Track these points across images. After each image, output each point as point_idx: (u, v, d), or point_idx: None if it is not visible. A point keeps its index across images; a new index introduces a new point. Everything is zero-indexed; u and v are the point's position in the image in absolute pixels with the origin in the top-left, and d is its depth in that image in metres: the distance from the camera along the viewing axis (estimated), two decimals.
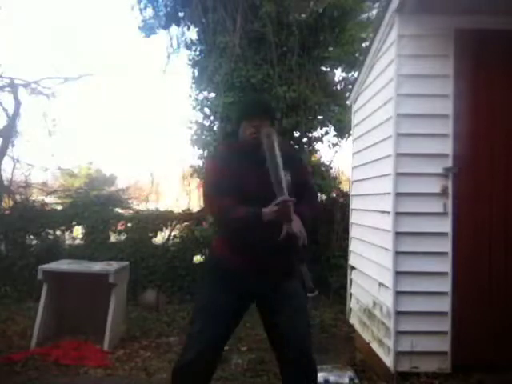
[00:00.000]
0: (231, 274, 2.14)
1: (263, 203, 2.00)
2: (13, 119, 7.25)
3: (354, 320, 4.21)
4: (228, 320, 2.16)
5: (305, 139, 6.56)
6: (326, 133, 6.62)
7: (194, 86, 6.67)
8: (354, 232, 4.40)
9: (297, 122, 6.10)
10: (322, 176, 6.25)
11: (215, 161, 2.32)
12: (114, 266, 4.25)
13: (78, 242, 6.29)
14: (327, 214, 6.15)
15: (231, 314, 2.16)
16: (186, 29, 6.79)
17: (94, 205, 6.23)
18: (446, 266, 3.06)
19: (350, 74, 6.78)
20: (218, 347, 2.17)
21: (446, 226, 3.08)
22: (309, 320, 2.28)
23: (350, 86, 5.39)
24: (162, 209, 6.84)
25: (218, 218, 2.28)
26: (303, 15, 6.35)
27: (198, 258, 6.30)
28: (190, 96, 6.65)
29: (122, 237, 6.21)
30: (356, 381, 3.09)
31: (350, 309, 4.37)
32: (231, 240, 2.18)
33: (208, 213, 2.26)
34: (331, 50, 6.43)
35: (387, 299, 3.18)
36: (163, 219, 6.25)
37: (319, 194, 6.51)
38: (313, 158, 6.54)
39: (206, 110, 6.49)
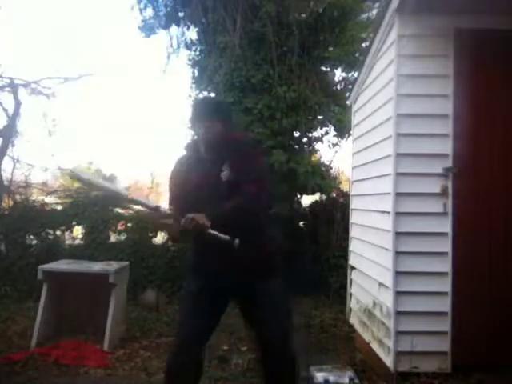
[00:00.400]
0: (203, 273, 2.25)
1: (213, 201, 2.10)
2: (13, 119, 7.25)
3: (354, 320, 4.21)
4: (207, 316, 2.23)
5: (305, 139, 6.56)
6: (326, 133, 6.62)
7: (193, 85, 6.67)
8: (354, 232, 4.40)
9: (297, 122, 6.10)
10: (322, 176, 6.25)
11: (173, 167, 2.44)
12: (113, 266, 4.25)
13: (77, 241, 6.29)
14: (327, 214, 6.15)
15: (209, 311, 2.24)
16: (185, 29, 6.79)
17: (94, 205, 6.23)
18: (446, 266, 3.06)
19: (350, 74, 6.78)
20: (200, 342, 2.24)
21: (446, 225, 3.08)
22: (288, 316, 2.34)
23: (350, 86, 5.39)
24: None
25: None
26: (303, 15, 6.34)
27: None
28: (190, 96, 6.66)
29: (122, 237, 6.21)
30: (356, 381, 3.09)
31: (350, 309, 4.37)
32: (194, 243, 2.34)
33: None
34: (331, 50, 6.43)
35: (387, 299, 3.18)
36: None
37: (319, 194, 6.53)
38: (313, 158, 6.54)
39: None
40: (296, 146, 6.40)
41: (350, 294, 4.42)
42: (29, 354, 3.75)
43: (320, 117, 6.39)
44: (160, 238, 6.32)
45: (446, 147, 3.09)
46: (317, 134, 6.60)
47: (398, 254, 3.09)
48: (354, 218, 4.41)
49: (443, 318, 3.05)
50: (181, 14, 6.66)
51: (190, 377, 2.20)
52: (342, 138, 6.65)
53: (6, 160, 7.18)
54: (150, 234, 6.18)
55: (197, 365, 2.24)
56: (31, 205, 6.43)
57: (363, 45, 6.40)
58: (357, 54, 6.35)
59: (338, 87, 6.88)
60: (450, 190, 3.08)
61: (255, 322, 2.27)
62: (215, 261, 2.17)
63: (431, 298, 3.07)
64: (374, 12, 6.88)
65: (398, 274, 3.08)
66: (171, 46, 6.94)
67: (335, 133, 6.61)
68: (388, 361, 3.11)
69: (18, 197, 6.87)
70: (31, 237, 6.19)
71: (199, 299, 2.23)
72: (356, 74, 5.04)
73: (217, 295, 2.23)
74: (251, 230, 2.11)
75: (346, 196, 5.75)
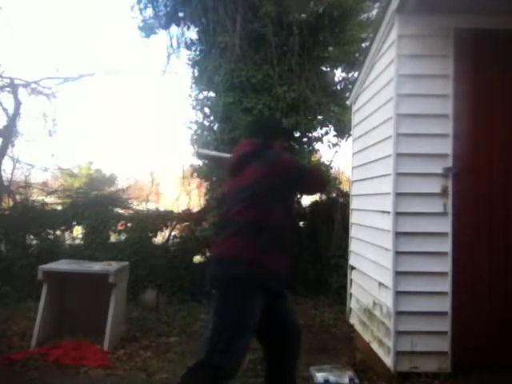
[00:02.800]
0: (268, 280, 2.33)
1: None
2: (13, 119, 7.26)
3: (354, 320, 4.21)
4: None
5: (305, 139, 6.55)
6: (326, 133, 6.62)
7: (193, 85, 6.66)
8: (354, 232, 4.40)
9: (297, 122, 6.10)
10: None
11: None
12: (114, 266, 4.25)
13: (77, 241, 6.30)
14: (327, 214, 6.16)
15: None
16: (186, 29, 6.77)
17: (94, 205, 6.23)
18: (445, 266, 3.06)
19: (350, 74, 6.77)
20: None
21: (446, 226, 3.08)
22: None
23: (350, 86, 5.39)
24: (162, 209, 6.84)
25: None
26: (303, 15, 6.34)
27: (198, 258, 6.30)
28: (190, 96, 6.65)
29: (122, 237, 6.21)
30: (356, 381, 3.08)
31: (350, 309, 4.37)
32: (270, 244, 2.33)
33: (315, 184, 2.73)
34: (331, 50, 6.42)
35: (387, 299, 3.18)
36: (163, 219, 6.26)
37: (319, 194, 6.54)
38: (313, 158, 6.54)
39: (206, 110, 6.49)
40: (296, 146, 6.40)
41: (350, 294, 4.42)
42: (29, 354, 3.76)
43: (320, 117, 6.38)
44: (160, 238, 6.33)
45: (446, 147, 3.09)
46: (317, 134, 6.60)
47: (397, 253, 3.09)
48: (354, 218, 4.41)
49: (443, 318, 3.05)
50: (181, 14, 6.65)
51: None
52: (341, 138, 6.65)
53: (6, 160, 7.20)
54: (150, 234, 6.18)
55: None
56: (31, 205, 6.43)
57: (363, 45, 6.40)
58: (357, 54, 6.35)
59: (338, 87, 6.87)
60: (450, 190, 3.08)
61: (280, 310, 2.49)
62: (286, 264, 2.41)
63: (431, 298, 3.07)
64: (374, 12, 6.87)
65: (398, 273, 3.08)
66: (171, 46, 6.93)
67: (335, 133, 6.60)
68: (388, 361, 3.11)
69: (18, 197, 6.87)
70: (31, 237, 6.20)
71: (257, 314, 2.29)
72: (356, 74, 5.04)
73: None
74: None
75: (346, 196, 5.76)
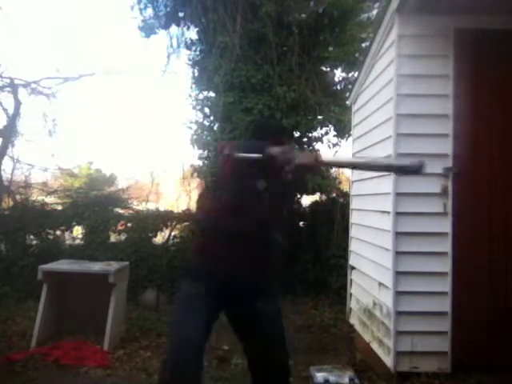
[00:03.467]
0: (206, 276, 2.07)
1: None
2: (13, 119, 7.26)
3: (354, 320, 4.21)
4: (203, 322, 2.05)
5: (305, 139, 6.55)
6: (326, 133, 6.62)
7: (193, 85, 6.67)
8: (354, 232, 4.40)
9: (297, 122, 6.10)
10: (322, 176, 6.25)
11: None
12: (114, 266, 4.25)
13: (78, 241, 6.30)
14: (327, 214, 6.16)
15: (206, 316, 2.07)
16: (185, 29, 6.78)
17: (94, 205, 6.23)
18: (446, 266, 3.06)
19: (350, 74, 6.77)
20: (200, 350, 2.05)
21: (446, 226, 3.08)
22: (283, 331, 2.20)
23: (350, 86, 5.39)
24: (162, 209, 6.84)
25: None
26: (303, 15, 6.34)
27: None
28: (190, 96, 6.66)
29: (122, 237, 6.21)
30: (356, 381, 3.08)
31: (350, 309, 4.37)
32: (211, 237, 2.10)
33: None
34: (331, 50, 6.43)
35: (387, 299, 3.18)
36: (163, 219, 6.25)
37: (319, 194, 6.54)
38: None
39: (206, 110, 6.49)
40: (296, 146, 6.40)
41: (350, 294, 4.42)
42: (29, 354, 3.75)
43: (320, 117, 6.38)
44: (160, 237, 6.33)
45: (446, 147, 3.09)
46: (317, 134, 6.60)
47: (398, 254, 3.09)
48: (354, 218, 4.41)
49: (443, 318, 3.05)
50: (181, 14, 6.65)
51: None
52: (342, 138, 6.65)
53: (6, 160, 7.20)
54: (150, 234, 6.18)
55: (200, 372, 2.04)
56: (31, 205, 6.43)
57: (363, 45, 6.40)
58: (357, 54, 6.35)
59: (338, 87, 6.87)
60: (450, 190, 3.08)
61: (253, 334, 2.15)
62: (239, 263, 2.02)
63: (431, 298, 3.07)
64: (374, 12, 6.87)
65: (398, 273, 3.08)
66: (171, 46, 6.93)
67: (335, 133, 6.60)
68: (388, 361, 3.11)
69: (18, 197, 6.87)
70: (31, 237, 6.19)
71: (201, 304, 2.05)
72: (356, 74, 5.03)
73: (220, 301, 2.08)
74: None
75: (346, 196, 5.76)
